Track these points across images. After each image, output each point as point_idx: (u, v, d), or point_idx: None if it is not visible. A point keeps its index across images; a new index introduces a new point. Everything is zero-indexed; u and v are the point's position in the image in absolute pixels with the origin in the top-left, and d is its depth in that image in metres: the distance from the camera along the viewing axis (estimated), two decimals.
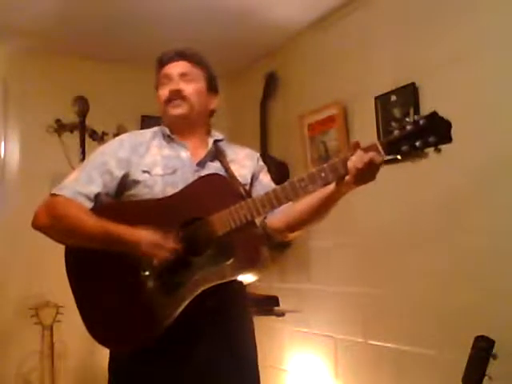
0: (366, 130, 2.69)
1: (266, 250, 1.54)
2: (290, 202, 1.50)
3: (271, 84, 3.43)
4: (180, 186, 1.57)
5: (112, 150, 1.63)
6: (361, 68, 2.79)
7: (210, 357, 1.53)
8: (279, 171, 3.23)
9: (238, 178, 1.65)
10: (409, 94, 2.45)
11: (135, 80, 3.40)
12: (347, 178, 1.39)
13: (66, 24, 3.03)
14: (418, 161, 2.29)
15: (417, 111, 2.40)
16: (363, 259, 2.71)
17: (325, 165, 1.41)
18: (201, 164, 1.65)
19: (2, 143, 3.31)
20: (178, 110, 1.65)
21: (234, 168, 1.67)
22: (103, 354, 1.61)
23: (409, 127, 1.35)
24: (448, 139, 1.34)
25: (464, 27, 2.26)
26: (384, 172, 1.42)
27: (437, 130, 1.33)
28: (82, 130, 2.98)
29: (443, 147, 1.35)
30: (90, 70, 3.45)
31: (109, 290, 1.53)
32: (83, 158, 2.84)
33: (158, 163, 1.62)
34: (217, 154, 1.70)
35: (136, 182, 1.59)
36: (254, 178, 1.74)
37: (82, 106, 2.93)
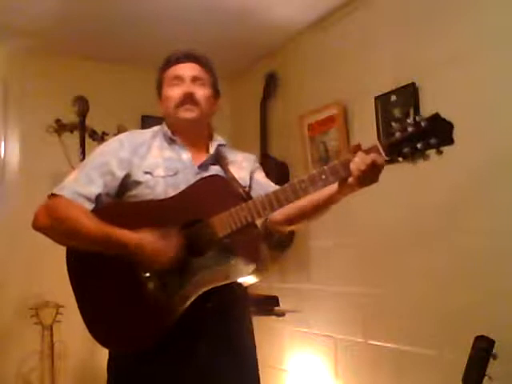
0: (365, 130, 2.69)
1: (266, 250, 1.54)
2: None
3: (271, 84, 3.43)
4: (181, 188, 1.57)
5: (112, 150, 1.62)
6: (361, 68, 2.79)
7: (210, 357, 1.53)
8: (279, 171, 3.24)
9: (238, 180, 1.66)
10: (409, 94, 2.45)
11: (135, 80, 3.41)
12: (350, 179, 1.39)
13: (66, 24, 3.03)
14: (419, 162, 2.29)
15: (417, 111, 2.40)
16: (363, 259, 2.71)
17: (325, 167, 1.42)
18: (202, 167, 1.65)
19: (2, 143, 3.31)
20: (190, 114, 1.64)
21: (233, 170, 1.68)
22: (103, 353, 1.61)
23: (410, 129, 1.35)
24: (450, 141, 1.33)
25: (464, 27, 2.26)
26: (384, 172, 1.42)
27: (438, 132, 1.33)
28: (82, 130, 2.98)
29: (444, 148, 1.35)
30: (90, 70, 3.46)
31: (110, 290, 1.53)
32: (83, 158, 2.84)
33: (160, 165, 1.61)
34: (218, 158, 1.70)
35: (137, 183, 1.58)
36: (250, 178, 1.75)
37: (82, 106, 2.92)
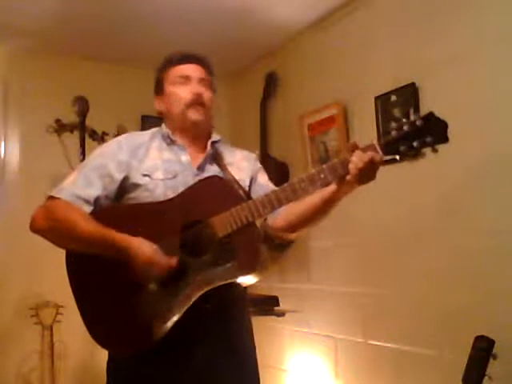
0: (365, 130, 2.69)
1: (266, 251, 1.54)
2: (291, 203, 1.51)
3: (271, 84, 3.43)
4: (180, 190, 1.57)
5: (111, 153, 1.61)
6: (361, 68, 2.79)
7: (209, 358, 1.52)
8: (279, 171, 3.24)
9: (238, 181, 1.65)
10: (409, 94, 2.45)
11: (135, 80, 3.41)
12: (348, 177, 1.40)
13: (66, 24, 3.03)
14: (416, 161, 2.29)
15: (417, 111, 2.38)
16: (363, 259, 2.71)
17: (324, 166, 1.43)
18: (200, 168, 1.65)
19: (2, 143, 3.31)
20: (199, 116, 1.65)
21: (232, 171, 1.67)
22: (103, 354, 1.61)
23: (406, 127, 1.37)
24: (444, 139, 1.36)
25: (464, 27, 2.26)
26: (383, 172, 1.43)
27: (433, 131, 1.35)
28: (82, 130, 2.98)
29: (442, 147, 1.37)
30: (90, 70, 3.46)
31: (109, 291, 1.52)
32: (83, 158, 2.84)
33: (159, 167, 1.61)
34: (215, 156, 1.69)
35: (136, 186, 1.58)
36: (252, 180, 1.74)
37: (82, 106, 2.92)
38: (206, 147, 1.69)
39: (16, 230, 2.94)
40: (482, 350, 1.77)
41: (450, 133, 1.36)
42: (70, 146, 3.10)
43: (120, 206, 1.61)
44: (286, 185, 1.47)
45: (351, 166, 1.38)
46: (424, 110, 2.34)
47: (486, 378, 1.75)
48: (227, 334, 1.57)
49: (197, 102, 1.64)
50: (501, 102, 2.11)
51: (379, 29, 2.68)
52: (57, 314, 3.05)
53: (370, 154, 1.37)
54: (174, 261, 1.45)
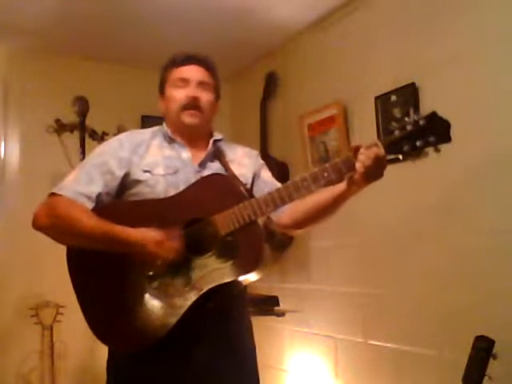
0: (365, 130, 2.70)
1: (268, 249, 1.54)
2: (297, 200, 1.51)
3: (271, 84, 3.43)
4: (181, 187, 1.57)
5: (112, 150, 1.62)
6: (361, 68, 2.79)
7: (209, 357, 1.53)
8: (279, 171, 3.23)
9: (239, 177, 1.66)
10: (409, 94, 2.45)
11: (135, 80, 3.41)
12: (356, 176, 1.41)
13: (66, 24, 3.03)
14: (418, 160, 2.29)
15: (417, 111, 2.40)
16: (363, 259, 2.71)
17: (327, 164, 1.43)
18: (202, 165, 1.65)
19: (2, 143, 3.31)
20: (193, 119, 1.64)
21: (233, 167, 1.67)
22: (103, 353, 1.61)
23: (409, 127, 1.37)
24: (447, 139, 1.36)
25: (464, 27, 2.26)
26: (384, 172, 1.42)
27: (436, 130, 1.36)
28: (82, 130, 2.98)
29: (443, 147, 1.37)
30: (90, 70, 3.46)
31: (111, 288, 1.52)
32: (83, 158, 2.84)
33: (160, 163, 1.61)
34: (216, 154, 1.70)
35: (137, 182, 1.58)
36: (255, 176, 1.74)
37: (82, 106, 2.93)
38: (207, 146, 1.70)
39: (16, 230, 2.95)
40: (482, 350, 1.77)
41: (451, 133, 1.36)
42: (70, 145, 3.11)
43: (122, 203, 1.61)
44: (288, 183, 1.47)
45: (358, 165, 1.38)
46: (424, 110, 2.35)
47: (486, 377, 1.75)
48: (227, 333, 1.57)
49: (191, 105, 1.64)
50: (501, 101, 2.11)
51: (379, 29, 2.69)
52: (57, 313, 3.05)
53: (374, 149, 1.37)
54: (180, 244, 1.46)
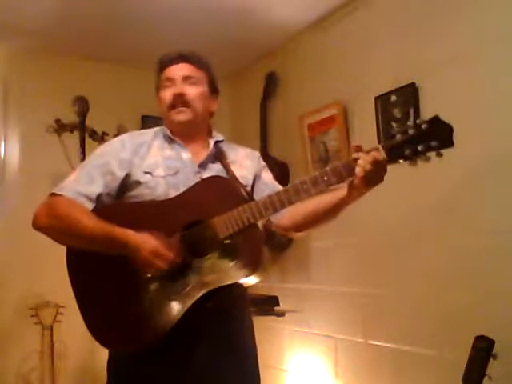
0: (366, 130, 2.69)
1: (267, 251, 1.54)
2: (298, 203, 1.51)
3: (271, 84, 3.43)
4: (181, 188, 1.57)
5: (113, 151, 1.62)
6: (361, 68, 2.79)
7: (210, 357, 1.53)
8: (279, 171, 3.23)
9: (239, 179, 1.65)
10: (409, 94, 2.45)
11: (135, 80, 3.41)
12: (356, 181, 1.40)
13: (66, 24, 3.03)
14: (419, 164, 2.29)
15: (417, 111, 2.40)
16: (363, 259, 2.71)
17: (327, 168, 1.42)
18: (202, 165, 1.65)
19: (2, 143, 3.31)
20: (182, 116, 1.64)
21: (234, 169, 1.67)
22: (103, 354, 1.61)
23: (411, 131, 1.36)
24: (450, 143, 1.34)
25: (464, 27, 2.26)
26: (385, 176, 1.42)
27: (439, 135, 1.34)
28: (82, 130, 2.98)
29: (444, 150, 1.36)
30: (90, 70, 3.46)
31: (110, 290, 1.52)
32: (83, 158, 2.84)
33: (160, 164, 1.61)
34: (217, 155, 1.69)
35: (138, 183, 1.58)
36: (256, 178, 1.74)
37: (82, 106, 2.93)
38: (207, 144, 1.69)
39: (16, 230, 2.95)
40: (482, 350, 1.77)
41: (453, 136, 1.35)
42: (70, 146, 3.11)
43: (122, 204, 1.61)
44: (288, 187, 1.47)
45: (358, 170, 1.37)
46: (424, 110, 2.38)
47: (486, 377, 1.75)
48: (228, 333, 1.57)
49: (177, 102, 1.63)
50: (501, 102, 2.11)
51: (379, 29, 2.69)
52: (57, 313, 3.05)
53: (373, 154, 1.37)
54: (176, 254, 1.45)
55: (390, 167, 1.41)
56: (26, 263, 3.13)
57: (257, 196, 1.65)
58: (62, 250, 1.59)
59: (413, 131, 1.36)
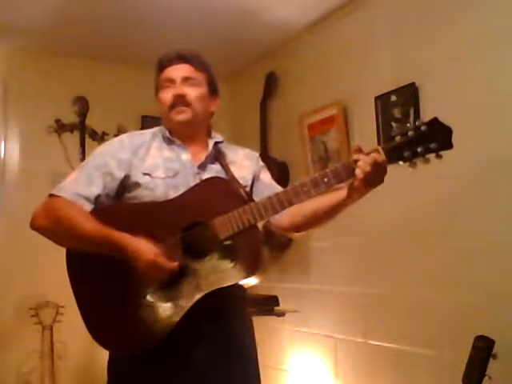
0: (365, 130, 2.69)
1: (267, 252, 1.54)
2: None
3: (271, 84, 3.43)
4: (181, 189, 1.56)
5: (112, 151, 1.61)
6: (361, 68, 2.79)
7: (210, 358, 1.52)
8: (279, 171, 3.24)
9: (239, 179, 1.65)
10: (409, 94, 2.45)
11: (135, 80, 3.41)
12: (356, 183, 1.40)
13: (66, 24, 3.03)
14: (418, 165, 2.29)
15: (417, 111, 2.40)
16: (363, 259, 2.71)
17: (327, 170, 1.43)
18: (201, 166, 1.65)
19: (2, 143, 3.31)
20: (182, 116, 1.64)
21: (234, 170, 1.67)
22: (103, 354, 1.60)
23: (410, 133, 1.37)
24: (449, 145, 1.35)
25: (464, 27, 2.26)
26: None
27: (438, 137, 1.35)
28: (82, 130, 2.98)
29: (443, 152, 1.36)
30: (90, 70, 3.46)
31: (110, 291, 1.52)
32: (83, 158, 2.84)
33: (159, 166, 1.61)
34: (217, 156, 1.69)
35: (137, 185, 1.57)
36: (255, 178, 1.74)
37: (82, 106, 2.93)
38: (207, 145, 1.69)
39: (16, 230, 2.95)
40: (482, 350, 1.77)
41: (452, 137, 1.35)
42: (70, 146, 3.12)
43: (121, 205, 1.60)
44: (288, 188, 1.47)
45: (358, 171, 1.38)
46: (424, 110, 2.38)
47: (486, 377, 1.75)
48: (227, 333, 1.57)
49: (177, 103, 1.63)
50: (501, 102, 2.10)
51: (379, 29, 2.68)
52: (57, 314, 3.05)
53: (373, 155, 1.37)
54: (175, 264, 1.45)
55: (389, 167, 1.42)
56: (25, 263, 3.13)
57: (256, 196, 1.65)
58: (62, 250, 1.59)
59: (412, 133, 1.36)
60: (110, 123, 3.25)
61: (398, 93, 2.52)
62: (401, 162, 1.39)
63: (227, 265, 1.46)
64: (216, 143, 1.70)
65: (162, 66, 1.70)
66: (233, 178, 1.64)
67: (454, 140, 1.35)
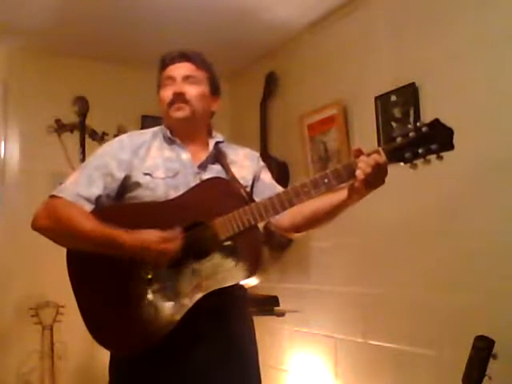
0: (366, 130, 2.69)
1: (267, 252, 1.55)
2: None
3: (271, 84, 3.43)
4: (181, 189, 1.57)
5: (113, 152, 1.61)
6: (361, 68, 2.79)
7: (210, 357, 1.52)
8: (279, 171, 3.24)
9: (239, 179, 1.65)
10: (409, 94, 2.45)
11: (135, 80, 3.41)
12: (357, 184, 1.40)
13: (66, 24, 3.03)
14: (419, 166, 2.29)
15: (417, 111, 2.41)
16: (363, 259, 2.71)
17: (328, 171, 1.43)
18: (202, 166, 1.64)
19: (2, 143, 3.31)
20: (180, 112, 1.64)
21: (234, 170, 1.67)
22: (103, 354, 1.61)
23: (411, 134, 1.36)
24: (450, 146, 1.35)
25: (464, 26, 2.26)
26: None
27: (439, 138, 1.35)
28: (82, 130, 2.98)
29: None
30: (90, 70, 3.46)
31: (111, 291, 1.52)
32: (83, 158, 2.84)
33: (160, 166, 1.61)
34: (218, 156, 1.69)
35: (137, 185, 1.57)
36: (255, 178, 1.74)
37: (82, 105, 2.93)
38: (207, 144, 1.69)
39: (16, 230, 2.95)
40: (482, 350, 1.77)
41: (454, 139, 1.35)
42: (70, 146, 3.11)
43: (122, 205, 1.60)
44: (288, 189, 1.47)
45: (358, 172, 1.38)
46: (424, 110, 2.38)
47: (486, 377, 1.75)
48: (228, 333, 1.57)
49: (176, 100, 1.63)
50: (501, 102, 2.10)
51: (379, 29, 2.68)
52: (57, 313, 3.05)
53: (374, 156, 1.37)
54: (180, 251, 1.45)
55: (390, 168, 1.41)
56: (26, 263, 3.13)
57: (256, 196, 1.65)
58: (63, 250, 1.59)
59: (413, 134, 1.36)
60: (110, 123, 3.25)
61: (397, 93, 2.52)
62: (402, 164, 1.39)
63: (227, 265, 1.46)
64: (217, 143, 1.70)
65: (164, 64, 1.70)
66: (233, 178, 1.64)
67: (454, 140, 1.35)
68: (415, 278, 2.41)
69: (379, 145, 1.42)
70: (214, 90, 1.73)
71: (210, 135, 1.73)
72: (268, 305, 2.99)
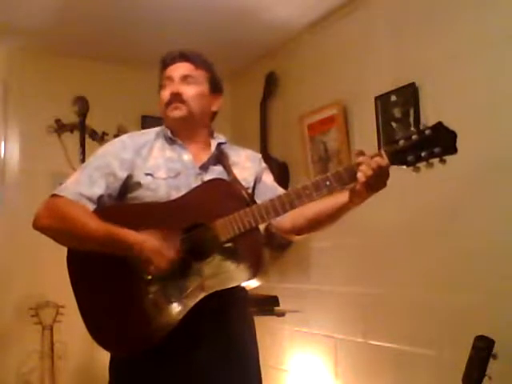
0: (366, 130, 2.69)
1: (268, 255, 1.54)
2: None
3: (271, 84, 3.43)
4: (183, 190, 1.56)
5: (115, 151, 1.61)
6: (361, 68, 2.79)
7: (211, 358, 1.52)
8: (279, 171, 3.24)
9: (241, 181, 1.65)
10: (409, 94, 2.45)
11: (135, 80, 3.41)
12: (358, 187, 1.40)
13: (66, 24, 3.03)
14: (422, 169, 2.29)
15: (417, 111, 2.40)
16: (363, 259, 2.71)
17: (329, 173, 1.43)
18: (203, 167, 1.64)
19: (2, 143, 3.31)
20: (177, 112, 1.64)
21: (236, 171, 1.66)
22: (103, 354, 1.60)
23: (414, 137, 1.36)
24: (453, 150, 1.34)
25: (464, 26, 2.26)
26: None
27: (442, 141, 1.34)
28: (82, 130, 2.98)
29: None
30: (90, 70, 3.46)
31: (111, 292, 1.52)
32: (83, 158, 2.84)
33: (161, 166, 1.60)
34: (219, 158, 1.69)
35: (139, 185, 1.57)
36: (257, 180, 1.73)
37: (82, 105, 2.93)
38: (209, 145, 1.69)
39: (16, 230, 2.96)
40: (482, 350, 1.77)
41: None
42: (70, 146, 3.12)
43: (123, 205, 1.60)
44: (290, 191, 1.47)
45: (360, 175, 1.37)
46: (424, 110, 2.38)
47: (486, 377, 1.75)
48: (228, 333, 1.57)
49: (173, 100, 1.64)
50: (501, 102, 2.10)
51: (379, 29, 2.68)
52: (57, 314, 3.05)
53: (376, 159, 1.37)
54: (177, 255, 1.45)
55: (390, 169, 1.41)
56: (26, 263, 3.13)
57: (257, 198, 1.65)
58: (63, 249, 1.58)
59: (416, 137, 1.36)
60: (109, 123, 3.25)
61: (397, 93, 2.52)
62: (404, 167, 1.38)
63: (228, 267, 1.46)
64: (219, 144, 1.70)
65: (164, 64, 1.71)
66: (235, 179, 1.63)
67: (458, 149, 1.34)
68: (415, 278, 2.41)
69: (379, 145, 1.43)
70: (215, 89, 1.72)
71: (211, 136, 1.73)
72: (268, 305, 2.99)
